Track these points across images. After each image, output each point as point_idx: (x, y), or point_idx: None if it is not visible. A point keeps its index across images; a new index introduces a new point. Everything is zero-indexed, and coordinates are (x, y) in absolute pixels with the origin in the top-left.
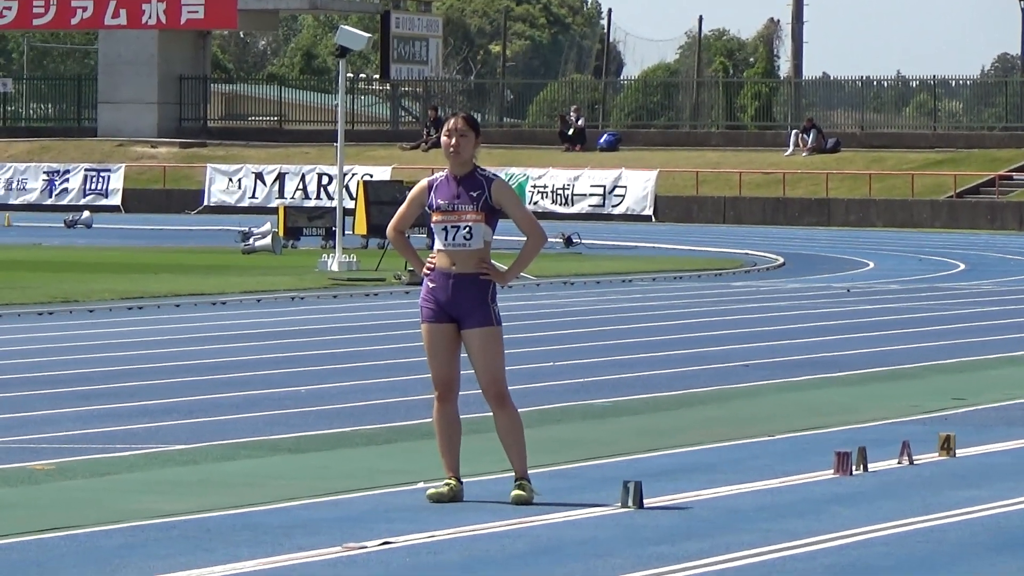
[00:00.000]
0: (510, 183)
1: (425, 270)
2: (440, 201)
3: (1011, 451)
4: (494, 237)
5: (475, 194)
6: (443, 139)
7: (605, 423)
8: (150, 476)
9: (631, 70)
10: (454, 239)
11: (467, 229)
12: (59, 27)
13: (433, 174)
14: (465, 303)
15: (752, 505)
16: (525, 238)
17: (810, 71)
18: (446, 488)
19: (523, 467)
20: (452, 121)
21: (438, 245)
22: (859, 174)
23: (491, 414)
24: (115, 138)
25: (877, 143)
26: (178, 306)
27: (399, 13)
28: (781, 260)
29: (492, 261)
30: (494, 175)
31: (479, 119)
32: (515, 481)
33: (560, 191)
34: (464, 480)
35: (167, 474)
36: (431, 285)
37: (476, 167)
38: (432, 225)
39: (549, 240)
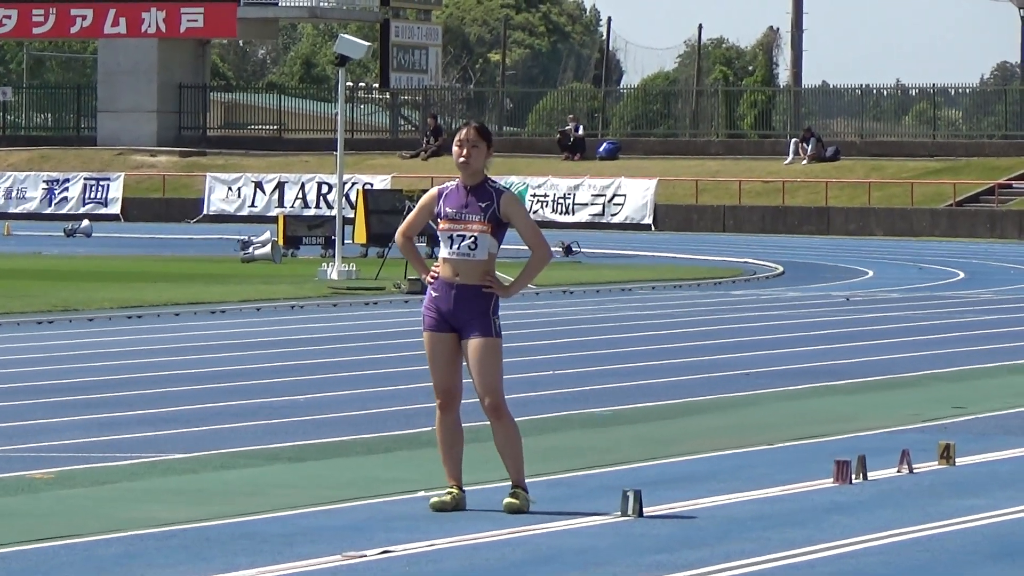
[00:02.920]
0: (511, 191)
1: (428, 278)
2: (448, 209)
3: (1011, 460)
4: (501, 248)
5: (484, 205)
6: (454, 149)
7: (605, 432)
8: (150, 485)
9: (631, 78)
10: (459, 248)
11: (472, 239)
12: (59, 36)
13: (432, 184)
14: (466, 314)
15: (751, 514)
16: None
17: (809, 79)
18: (449, 496)
19: (519, 476)
20: (464, 131)
21: (443, 253)
22: (859, 183)
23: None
24: (114, 147)
25: (876, 152)
26: (177, 315)
27: (398, 22)
28: (781, 269)
29: (497, 273)
30: (504, 187)
31: None
32: (511, 489)
33: (560, 200)
34: (465, 489)
35: (167, 483)
36: (434, 294)
37: (487, 178)
38: (438, 233)
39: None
